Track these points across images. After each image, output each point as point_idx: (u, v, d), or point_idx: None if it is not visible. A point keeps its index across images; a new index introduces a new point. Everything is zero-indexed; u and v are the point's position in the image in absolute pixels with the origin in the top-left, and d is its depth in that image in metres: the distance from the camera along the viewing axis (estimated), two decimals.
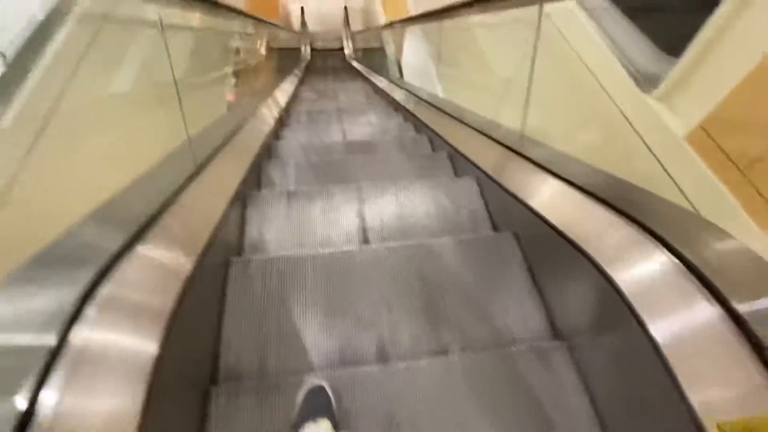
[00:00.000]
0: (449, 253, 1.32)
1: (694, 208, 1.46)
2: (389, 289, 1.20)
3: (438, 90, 3.94)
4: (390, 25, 5.09)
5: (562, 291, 1.10)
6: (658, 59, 1.70)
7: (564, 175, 1.21)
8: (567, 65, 1.94)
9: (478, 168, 1.76)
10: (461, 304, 1.18)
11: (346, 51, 9.65)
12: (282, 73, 5.23)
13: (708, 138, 1.53)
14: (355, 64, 8.56)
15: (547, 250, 1.18)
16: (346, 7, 10.32)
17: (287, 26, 9.29)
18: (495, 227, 1.61)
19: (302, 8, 10.63)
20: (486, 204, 1.69)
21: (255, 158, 1.96)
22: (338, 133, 3.18)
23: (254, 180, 1.93)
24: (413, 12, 5.84)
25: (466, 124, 2.21)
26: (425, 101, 3.16)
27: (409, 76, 5.54)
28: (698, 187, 1.52)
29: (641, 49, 1.74)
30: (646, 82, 1.73)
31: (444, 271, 1.27)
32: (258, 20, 3.30)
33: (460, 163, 2.05)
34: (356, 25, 10.44)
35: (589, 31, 1.76)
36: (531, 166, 1.40)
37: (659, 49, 1.70)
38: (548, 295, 1.17)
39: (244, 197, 1.60)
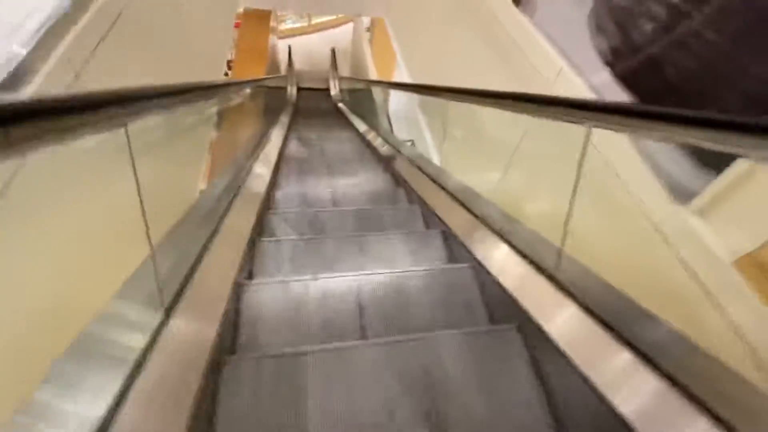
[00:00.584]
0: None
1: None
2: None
3: (438, 161, 3.77)
4: (380, 83, 4.98)
5: None
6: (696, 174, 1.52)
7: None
8: (600, 175, 1.75)
9: (504, 290, 1.48)
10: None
11: (333, 92, 9.58)
12: (267, 120, 4.99)
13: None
14: (341, 106, 8.45)
15: None
16: (333, 49, 10.34)
17: (273, 64, 9.18)
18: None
19: (290, 47, 10.60)
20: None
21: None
22: (329, 203, 2.92)
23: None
24: (401, 58, 5.79)
25: (475, 215, 1.98)
26: (423, 171, 2.94)
27: (399, 131, 5.42)
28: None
29: (677, 161, 1.57)
30: (683, 195, 1.55)
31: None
32: (247, 83, 3.05)
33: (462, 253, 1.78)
34: (344, 65, 10.45)
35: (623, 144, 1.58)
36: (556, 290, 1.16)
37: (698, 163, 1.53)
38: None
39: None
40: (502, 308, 1.39)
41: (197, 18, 4.11)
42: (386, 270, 1.60)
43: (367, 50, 8.06)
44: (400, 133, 5.21)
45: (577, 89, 1.89)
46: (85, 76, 1.73)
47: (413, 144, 4.78)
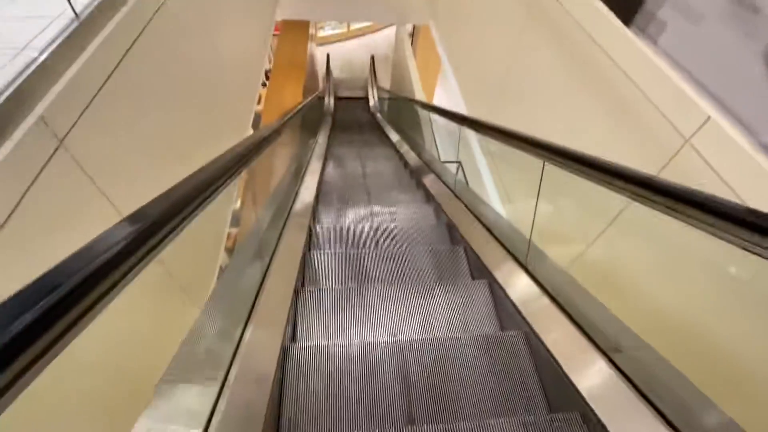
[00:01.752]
0: None
1: None
2: None
3: (499, 207, 3.21)
4: (426, 106, 4.44)
5: None
6: None
7: None
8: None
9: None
10: None
11: (371, 102, 9.15)
12: (302, 144, 4.61)
13: None
14: (380, 117, 7.98)
15: None
16: (373, 57, 9.92)
17: (312, 74, 8.87)
18: None
19: (328, 55, 10.29)
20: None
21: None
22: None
23: None
24: (449, 67, 5.20)
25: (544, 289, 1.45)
26: (478, 218, 2.38)
27: (446, 151, 4.85)
28: None
29: None
30: None
31: None
32: (287, 120, 2.53)
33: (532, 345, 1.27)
34: (385, 72, 10.00)
35: None
36: None
37: None
38: None
39: None
40: None
41: (232, 29, 3.77)
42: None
43: (409, 57, 7.52)
44: (446, 153, 4.67)
45: (733, 150, 1.31)
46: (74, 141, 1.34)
47: (460, 166, 4.24)
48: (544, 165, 1.53)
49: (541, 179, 1.56)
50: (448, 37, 5.33)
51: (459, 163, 4.29)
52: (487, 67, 4.04)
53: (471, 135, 3.89)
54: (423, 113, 5.26)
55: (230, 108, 3.60)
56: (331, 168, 4.44)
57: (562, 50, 2.38)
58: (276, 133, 2.02)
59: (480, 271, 1.97)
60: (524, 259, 1.71)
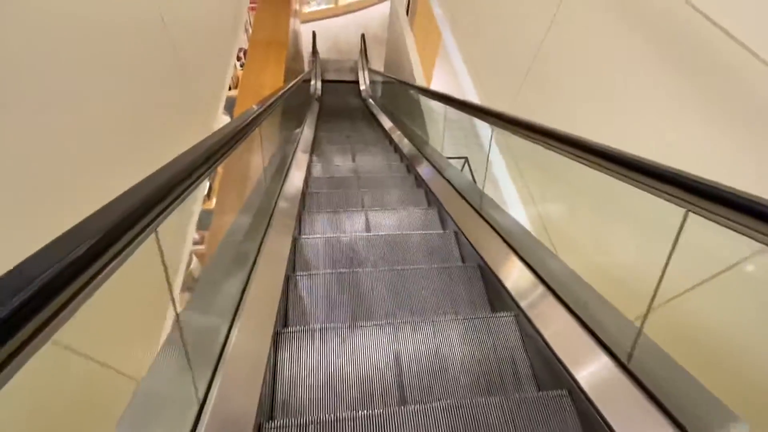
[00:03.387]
0: None
1: None
2: None
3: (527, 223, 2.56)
4: (439, 97, 3.71)
5: None
6: None
7: None
8: None
9: None
10: None
11: (362, 86, 8.35)
12: (284, 137, 3.88)
13: None
14: (372, 104, 7.21)
15: None
16: (363, 36, 9.07)
17: (296, 54, 8.00)
18: None
19: (314, 33, 9.40)
20: None
21: None
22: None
23: None
24: (453, 48, 4.46)
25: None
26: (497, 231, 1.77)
27: (452, 146, 4.15)
28: None
29: None
30: None
31: None
32: (265, 109, 1.87)
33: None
34: (376, 56, 9.16)
35: None
36: None
37: None
38: None
39: None
40: None
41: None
42: None
43: (407, 34, 6.65)
44: (455, 146, 3.99)
45: None
46: None
47: (466, 162, 3.60)
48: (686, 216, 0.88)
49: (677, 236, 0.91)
50: (454, 7, 4.57)
51: (466, 159, 3.65)
52: (508, 44, 3.34)
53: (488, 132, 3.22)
54: (424, 100, 4.54)
55: (190, 94, 2.84)
56: (318, 165, 3.72)
57: (641, 27, 1.70)
58: (250, 125, 1.35)
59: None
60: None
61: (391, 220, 2.50)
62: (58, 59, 1.35)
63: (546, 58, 2.59)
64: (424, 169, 3.63)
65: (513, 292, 1.50)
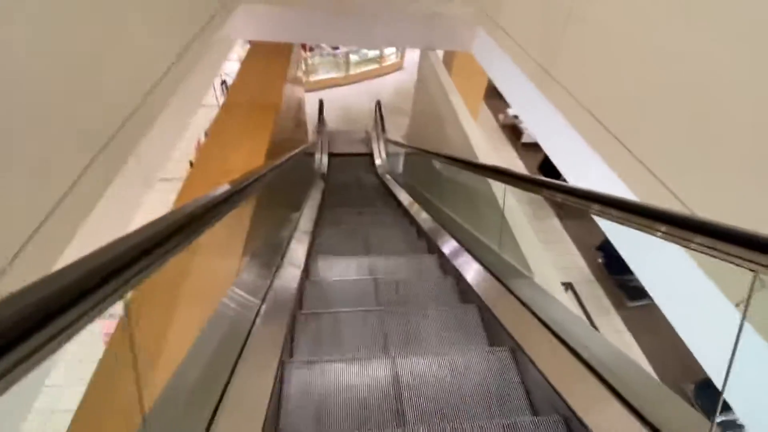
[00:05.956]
0: None
1: None
2: None
3: None
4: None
5: None
6: None
7: None
8: None
9: None
10: None
11: (378, 161, 6.82)
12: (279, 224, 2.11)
13: None
14: (392, 183, 5.54)
15: None
16: (379, 102, 7.77)
17: (296, 119, 6.57)
18: None
19: (321, 101, 8.16)
20: None
21: None
22: None
23: None
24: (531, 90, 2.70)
25: None
26: None
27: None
28: None
29: None
30: None
31: None
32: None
33: None
34: (392, 127, 7.77)
35: None
36: None
37: None
38: None
39: None
40: None
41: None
42: None
43: (447, 84, 4.93)
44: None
45: None
46: None
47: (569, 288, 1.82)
48: None
49: None
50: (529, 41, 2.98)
51: (569, 285, 1.97)
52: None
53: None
54: (486, 183, 2.71)
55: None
56: (320, 272, 1.90)
57: None
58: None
59: None
60: None
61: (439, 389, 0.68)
62: None
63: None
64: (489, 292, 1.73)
65: None
